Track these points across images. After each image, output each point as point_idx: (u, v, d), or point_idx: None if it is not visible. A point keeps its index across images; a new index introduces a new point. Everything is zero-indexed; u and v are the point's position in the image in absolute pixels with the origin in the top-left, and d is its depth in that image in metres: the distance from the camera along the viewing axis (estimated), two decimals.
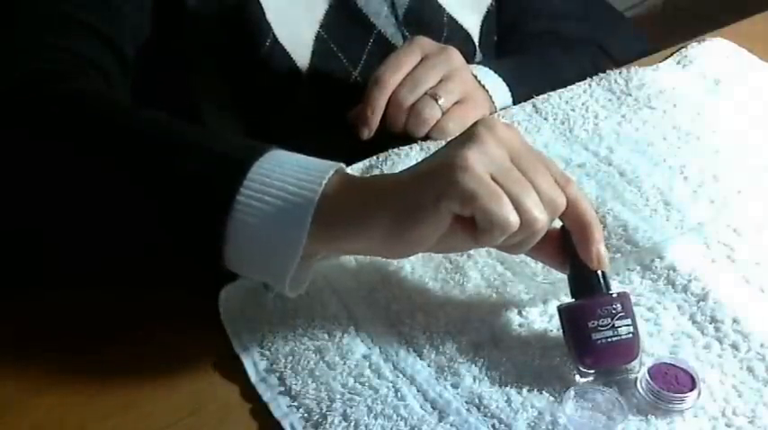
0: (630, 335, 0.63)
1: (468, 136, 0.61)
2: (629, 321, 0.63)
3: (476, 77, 0.90)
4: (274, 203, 0.61)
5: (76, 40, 0.78)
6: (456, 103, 0.86)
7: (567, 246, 0.65)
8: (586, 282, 0.64)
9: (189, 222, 0.63)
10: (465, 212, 0.59)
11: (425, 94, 0.85)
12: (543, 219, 0.60)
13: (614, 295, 0.64)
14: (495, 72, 0.92)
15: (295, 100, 0.93)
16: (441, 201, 0.59)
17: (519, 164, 0.61)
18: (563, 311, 0.65)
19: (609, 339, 0.62)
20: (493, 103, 0.91)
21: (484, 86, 0.90)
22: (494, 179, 0.59)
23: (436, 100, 0.84)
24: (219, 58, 0.91)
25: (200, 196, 0.63)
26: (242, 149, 0.64)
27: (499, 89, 0.92)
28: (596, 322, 0.62)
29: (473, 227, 0.60)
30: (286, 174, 0.62)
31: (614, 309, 0.63)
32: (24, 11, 0.78)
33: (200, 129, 0.68)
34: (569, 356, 0.64)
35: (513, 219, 0.59)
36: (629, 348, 0.63)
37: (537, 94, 0.92)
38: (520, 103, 0.92)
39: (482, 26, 1.01)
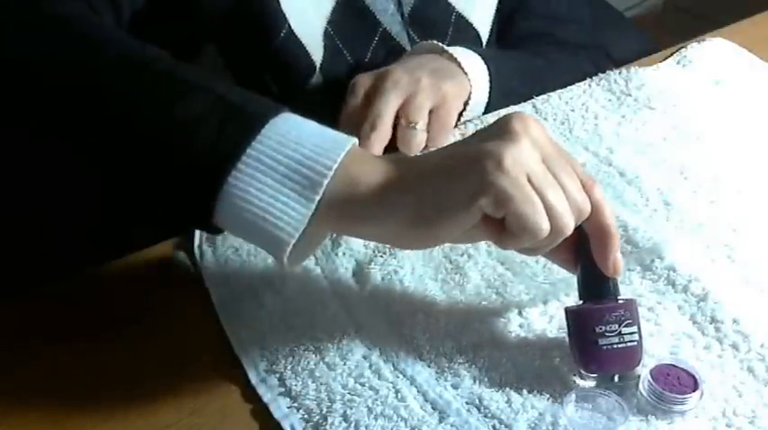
0: (635, 343, 0.63)
1: (504, 131, 0.59)
2: (635, 328, 0.63)
3: (449, 57, 0.87)
4: (287, 166, 0.58)
5: None
6: (432, 111, 0.83)
7: (581, 247, 0.64)
8: (598, 286, 0.64)
9: (193, 170, 0.59)
10: (497, 214, 0.58)
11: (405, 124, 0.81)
12: (571, 225, 0.60)
13: (623, 301, 0.64)
14: (473, 51, 0.90)
15: (306, 93, 0.92)
16: (475, 199, 0.57)
17: (550, 165, 0.60)
18: (571, 313, 0.64)
19: (614, 345, 0.62)
20: (466, 74, 0.87)
21: (456, 61, 0.87)
22: (529, 181, 0.58)
23: (414, 126, 0.81)
24: (232, 49, 0.90)
25: (208, 145, 0.59)
26: (260, 102, 0.61)
27: (474, 64, 0.88)
28: (604, 327, 0.62)
29: (500, 227, 0.59)
30: (303, 137, 0.59)
31: (623, 315, 0.63)
32: None
33: (210, 74, 0.64)
34: (572, 359, 0.64)
35: (546, 226, 0.58)
36: (633, 355, 0.63)
37: (524, 85, 0.90)
38: (498, 81, 0.90)
39: (492, 25, 1.01)
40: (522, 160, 0.58)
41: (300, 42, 0.89)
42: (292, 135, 0.59)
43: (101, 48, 0.65)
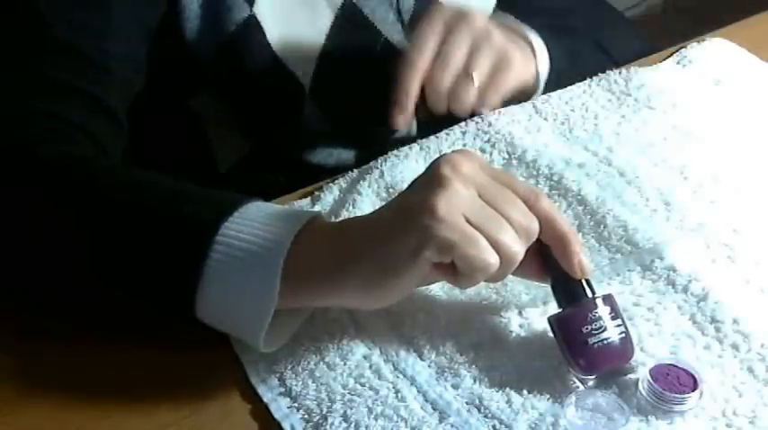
0: (623, 334, 0.63)
1: (434, 178, 0.61)
2: (619, 321, 0.63)
3: (515, 31, 0.88)
4: (243, 260, 0.61)
5: (63, 104, 0.77)
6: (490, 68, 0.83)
7: (546, 258, 0.65)
8: (572, 291, 0.65)
9: (162, 286, 0.64)
10: (445, 260, 0.60)
11: (461, 70, 0.82)
12: (521, 251, 0.61)
13: (601, 298, 0.64)
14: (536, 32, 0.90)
15: (301, 114, 0.93)
16: (419, 253, 0.60)
17: (488, 198, 0.61)
18: (554, 322, 0.65)
19: (604, 341, 0.62)
20: (534, 52, 0.88)
21: (527, 37, 0.88)
22: (468, 221, 0.60)
23: (471, 76, 0.82)
24: (220, 84, 0.91)
25: (171, 260, 0.63)
26: (213, 208, 0.64)
27: (540, 45, 0.90)
28: (589, 327, 0.63)
29: (453, 269, 0.61)
30: (256, 229, 0.62)
31: (604, 311, 0.63)
32: (8, 75, 0.77)
33: (178, 186, 0.68)
34: (567, 365, 0.64)
35: (494, 260, 0.60)
36: (624, 348, 0.63)
37: (571, 66, 0.90)
38: (556, 63, 0.90)
39: None
40: (455, 203, 0.60)
41: (288, 70, 0.90)
42: (246, 230, 0.62)
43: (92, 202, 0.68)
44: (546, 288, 0.70)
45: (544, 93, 0.92)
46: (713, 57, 0.98)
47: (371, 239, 0.62)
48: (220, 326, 0.65)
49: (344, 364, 0.66)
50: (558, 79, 0.92)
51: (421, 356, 0.67)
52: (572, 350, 0.63)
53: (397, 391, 0.64)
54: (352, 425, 0.62)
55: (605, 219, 0.76)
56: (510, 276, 0.65)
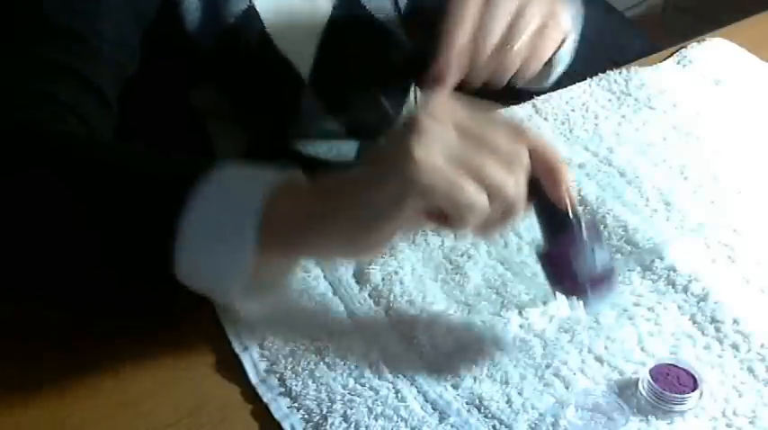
0: (609, 260, 0.63)
1: (411, 125, 0.58)
2: (604, 247, 0.63)
3: None
4: (218, 217, 0.60)
5: (53, 83, 0.77)
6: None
7: (531, 191, 0.62)
8: (560, 222, 0.63)
9: (140, 249, 0.63)
10: (431, 206, 0.58)
11: (503, 41, 0.79)
12: (510, 182, 0.58)
13: (584, 226, 0.63)
14: None
15: (300, 105, 0.93)
16: (402, 202, 0.57)
17: (470, 135, 0.58)
18: (544, 256, 0.64)
19: (593, 269, 0.62)
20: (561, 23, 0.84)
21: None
22: (449, 161, 0.57)
23: (511, 46, 0.79)
24: (220, 74, 0.91)
25: (148, 220, 0.63)
26: (189, 169, 0.63)
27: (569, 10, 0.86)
28: (579, 254, 0.62)
29: (444, 214, 0.59)
30: (232, 187, 0.62)
31: (590, 237, 0.62)
32: (3, 55, 0.77)
33: (156, 157, 0.68)
34: (564, 296, 0.64)
35: (480, 199, 0.57)
36: (612, 272, 0.64)
37: (588, 33, 0.88)
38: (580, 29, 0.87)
39: None
40: (432, 147, 0.57)
41: (288, 62, 0.90)
42: (221, 188, 0.61)
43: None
44: (546, 288, 0.70)
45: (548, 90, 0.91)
46: (713, 57, 0.98)
47: (350, 192, 0.60)
48: (199, 286, 0.64)
49: (344, 364, 0.66)
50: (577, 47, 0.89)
51: (421, 356, 0.67)
52: (567, 280, 0.63)
53: (396, 391, 0.64)
54: (352, 425, 0.62)
55: (605, 219, 0.76)
56: (510, 275, 0.65)
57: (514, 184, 0.58)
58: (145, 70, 0.85)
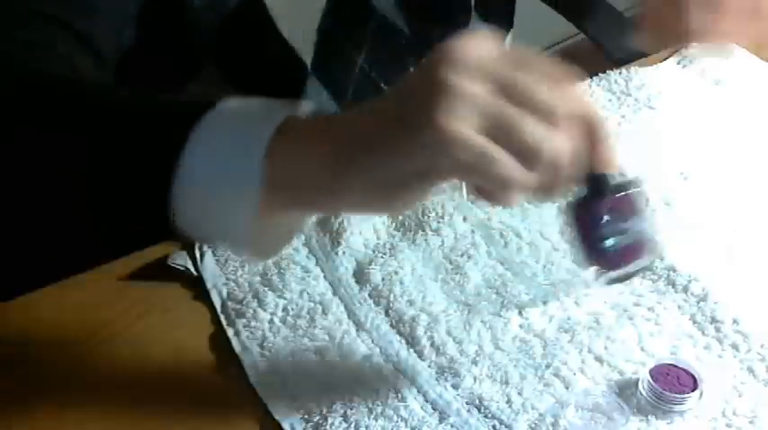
0: (643, 231, 0.59)
1: (432, 87, 0.51)
2: (639, 218, 0.59)
3: None
4: (223, 151, 0.55)
5: (48, 35, 0.75)
6: None
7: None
8: (598, 181, 0.56)
9: (142, 182, 0.58)
10: (467, 182, 0.54)
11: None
12: (552, 138, 0.51)
13: (624, 193, 0.58)
14: None
15: (304, 92, 0.92)
16: (428, 178, 0.53)
17: (503, 84, 0.51)
18: (573, 208, 0.57)
19: (623, 240, 0.58)
20: None
21: None
22: (480, 128, 0.50)
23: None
24: (222, 60, 0.91)
25: (149, 152, 0.57)
26: (190, 105, 0.59)
27: None
28: (609, 223, 0.57)
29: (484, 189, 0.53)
30: (239, 119, 0.56)
31: (626, 207, 0.58)
32: None
33: (155, 98, 0.63)
34: (581, 262, 0.59)
35: (516, 170, 0.51)
36: (642, 245, 0.59)
37: None
38: None
39: None
40: (462, 114, 0.50)
41: (290, 46, 0.89)
42: (226, 122, 0.56)
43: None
44: (546, 288, 0.70)
45: None
46: (713, 57, 0.98)
47: (369, 150, 0.53)
48: (199, 231, 0.59)
49: (344, 364, 0.66)
50: None
51: (421, 356, 0.67)
52: (590, 244, 0.58)
53: (397, 391, 0.64)
54: (353, 426, 0.62)
55: None
56: (510, 275, 0.65)
57: (559, 140, 0.51)
58: (145, 55, 0.85)
